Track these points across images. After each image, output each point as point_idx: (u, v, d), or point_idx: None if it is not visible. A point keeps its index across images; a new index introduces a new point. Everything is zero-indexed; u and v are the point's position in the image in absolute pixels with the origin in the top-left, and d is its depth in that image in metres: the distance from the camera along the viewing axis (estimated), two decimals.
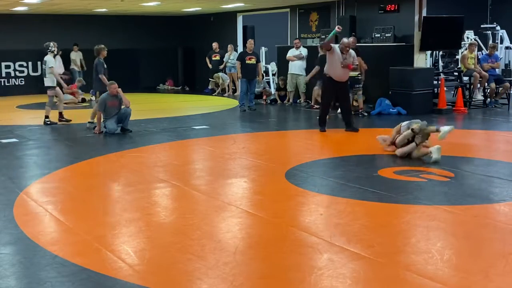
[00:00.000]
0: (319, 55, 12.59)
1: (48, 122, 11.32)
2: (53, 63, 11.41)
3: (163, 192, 6.25)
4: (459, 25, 13.08)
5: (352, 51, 9.93)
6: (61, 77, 15.37)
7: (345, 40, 9.75)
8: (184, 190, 6.25)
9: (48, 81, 11.31)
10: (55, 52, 11.56)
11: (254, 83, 13.65)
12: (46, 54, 11.31)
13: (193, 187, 6.41)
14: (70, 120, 11.63)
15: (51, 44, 11.38)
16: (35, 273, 3.96)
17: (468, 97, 13.14)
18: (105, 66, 10.94)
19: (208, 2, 15.89)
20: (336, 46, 9.74)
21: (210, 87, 18.47)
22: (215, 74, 17.75)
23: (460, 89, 12.98)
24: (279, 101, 14.84)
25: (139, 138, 9.77)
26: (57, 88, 11.50)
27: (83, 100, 15.64)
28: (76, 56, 17.93)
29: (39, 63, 18.60)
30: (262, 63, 16.31)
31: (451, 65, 14.81)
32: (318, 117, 10.22)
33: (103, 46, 11.21)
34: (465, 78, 13.27)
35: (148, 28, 19.35)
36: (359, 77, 11.84)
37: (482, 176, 6.71)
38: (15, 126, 11.36)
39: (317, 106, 13.50)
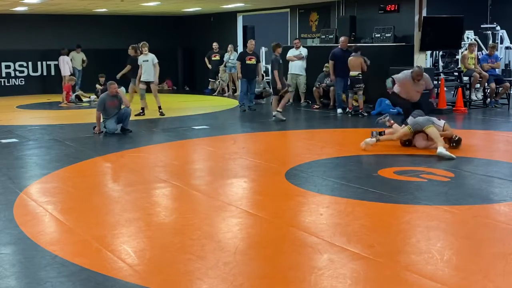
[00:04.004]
0: (129, 58, 12.82)
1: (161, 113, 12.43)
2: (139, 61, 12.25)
3: (163, 192, 6.25)
4: (459, 25, 13.08)
5: (425, 75, 9.39)
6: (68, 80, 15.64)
7: (416, 69, 9.30)
8: (184, 190, 6.25)
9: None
10: (140, 52, 12.26)
11: (254, 83, 13.67)
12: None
13: (193, 187, 6.41)
14: (164, 115, 12.35)
15: (140, 44, 12.33)
16: (35, 273, 3.96)
17: (468, 97, 13.15)
18: (281, 62, 11.50)
19: (208, 2, 15.88)
20: (401, 78, 9.31)
21: (210, 87, 18.47)
22: (221, 72, 17.64)
23: (460, 89, 12.98)
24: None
25: (139, 138, 9.77)
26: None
27: (80, 100, 15.63)
28: (77, 56, 17.90)
29: (39, 63, 18.64)
30: (262, 63, 16.32)
31: (451, 65, 14.79)
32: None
33: (279, 43, 11.82)
34: (465, 78, 13.27)
35: (148, 28, 19.34)
36: (360, 77, 11.84)
37: (482, 176, 6.71)
38: (15, 126, 11.35)
39: (317, 106, 13.53)
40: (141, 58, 12.21)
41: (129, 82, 13.00)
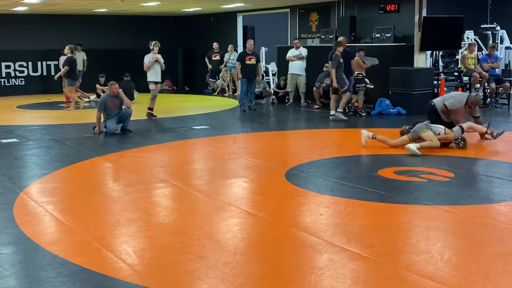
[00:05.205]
0: (66, 58, 12.79)
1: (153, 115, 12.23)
2: (147, 59, 12.06)
3: (163, 192, 6.25)
4: (459, 25, 13.08)
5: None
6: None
7: (474, 96, 8.99)
8: (184, 190, 6.25)
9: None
10: (154, 50, 12.06)
11: (254, 83, 13.67)
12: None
13: (193, 187, 6.41)
14: (156, 116, 12.16)
15: (152, 43, 12.11)
16: (35, 273, 3.96)
17: None
18: (341, 60, 11.36)
19: (208, 2, 15.89)
20: (454, 105, 8.71)
21: (210, 87, 18.47)
22: (223, 72, 17.62)
23: (460, 89, 12.97)
24: (276, 101, 14.84)
25: (139, 138, 9.77)
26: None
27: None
28: (78, 55, 17.87)
29: (39, 63, 18.63)
30: (262, 63, 16.31)
31: (451, 65, 14.80)
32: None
33: (340, 41, 11.76)
34: (465, 78, 13.28)
35: (148, 28, 19.34)
36: (360, 77, 11.84)
37: (482, 176, 6.71)
38: (15, 126, 11.35)
39: (317, 106, 13.53)
40: (151, 57, 11.93)
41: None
